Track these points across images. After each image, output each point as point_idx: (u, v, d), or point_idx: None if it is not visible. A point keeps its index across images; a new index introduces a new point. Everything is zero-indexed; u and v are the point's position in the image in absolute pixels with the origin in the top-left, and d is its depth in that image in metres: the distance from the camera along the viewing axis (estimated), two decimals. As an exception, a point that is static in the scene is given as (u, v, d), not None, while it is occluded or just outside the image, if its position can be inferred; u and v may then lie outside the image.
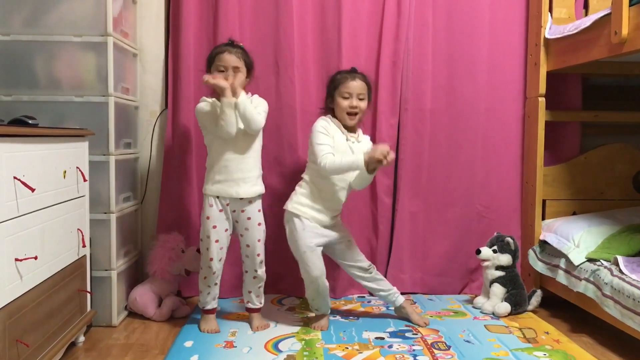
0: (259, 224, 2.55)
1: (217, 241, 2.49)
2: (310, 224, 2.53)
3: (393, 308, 2.75)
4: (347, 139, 2.55)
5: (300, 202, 2.55)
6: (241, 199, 2.49)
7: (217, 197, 2.48)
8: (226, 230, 2.52)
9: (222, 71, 2.45)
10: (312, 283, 2.55)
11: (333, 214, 2.59)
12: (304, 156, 2.97)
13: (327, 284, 2.59)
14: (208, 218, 2.49)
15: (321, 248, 2.57)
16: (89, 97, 2.53)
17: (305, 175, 2.61)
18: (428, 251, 3.12)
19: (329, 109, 2.61)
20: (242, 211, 2.51)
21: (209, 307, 2.56)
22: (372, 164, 2.38)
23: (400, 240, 3.08)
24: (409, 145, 3.04)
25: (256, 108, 2.46)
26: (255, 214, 2.54)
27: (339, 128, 2.56)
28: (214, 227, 2.49)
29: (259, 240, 2.55)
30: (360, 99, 2.54)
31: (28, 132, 1.89)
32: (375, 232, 3.06)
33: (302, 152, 2.97)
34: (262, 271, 2.59)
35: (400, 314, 2.71)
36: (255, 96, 2.56)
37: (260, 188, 2.54)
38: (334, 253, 2.66)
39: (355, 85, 2.54)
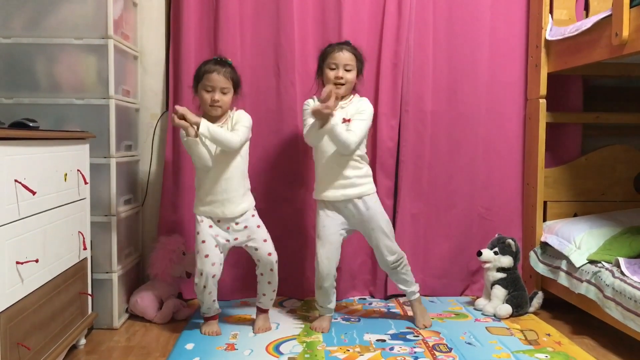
0: (258, 226, 2.55)
1: (207, 256, 2.46)
2: (326, 210, 2.55)
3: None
4: None
5: (316, 190, 2.59)
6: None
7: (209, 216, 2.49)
8: (216, 246, 2.48)
9: (209, 91, 2.44)
10: (317, 266, 2.58)
11: (340, 188, 2.53)
12: (304, 158, 2.98)
13: (332, 276, 2.59)
14: (198, 233, 2.49)
15: (339, 238, 2.59)
16: (89, 99, 2.53)
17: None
18: (429, 253, 3.12)
19: (320, 83, 2.62)
20: (236, 223, 2.50)
21: (208, 315, 2.55)
22: (317, 115, 2.38)
23: (401, 242, 3.03)
24: (409, 147, 3.04)
25: (235, 124, 2.45)
26: (250, 220, 2.53)
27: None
28: (203, 241, 2.47)
29: (264, 241, 2.54)
30: (347, 70, 2.54)
31: (29, 135, 1.90)
32: (377, 234, 3.05)
33: (302, 154, 2.97)
34: (276, 271, 2.57)
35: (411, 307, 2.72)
36: (239, 112, 2.53)
37: (246, 205, 2.52)
38: (367, 238, 2.65)
39: (342, 56, 2.53)
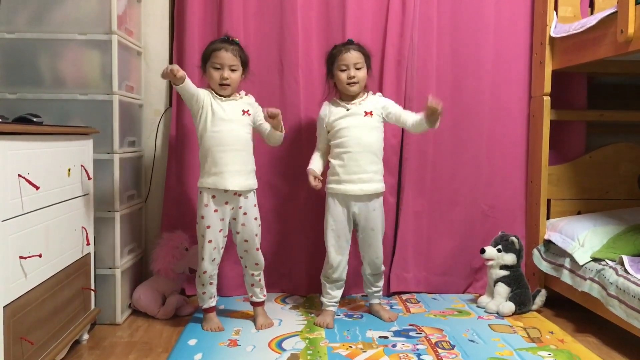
0: (255, 219, 2.56)
1: (210, 241, 2.48)
2: (338, 205, 2.58)
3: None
4: (347, 110, 2.60)
5: (329, 182, 2.62)
6: (239, 195, 2.49)
7: (213, 196, 2.47)
8: (220, 230, 2.50)
9: (218, 69, 2.46)
10: (328, 260, 2.60)
11: (361, 183, 2.56)
12: (307, 155, 2.97)
13: (341, 269, 2.62)
14: (202, 217, 2.49)
15: (347, 231, 2.61)
16: (93, 95, 2.53)
17: (329, 157, 2.66)
18: (432, 250, 3.11)
19: (332, 85, 2.66)
20: (240, 207, 2.52)
21: (206, 305, 2.56)
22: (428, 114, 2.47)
23: (404, 240, 3.07)
24: (413, 144, 3.03)
25: (258, 116, 2.55)
26: (252, 209, 2.54)
27: (337, 105, 2.62)
28: (208, 227, 2.48)
29: (256, 235, 2.56)
30: (358, 69, 2.58)
31: (33, 130, 1.90)
32: (379, 231, 3.05)
33: (305, 150, 2.97)
34: (261, 264, 2.60)
35: (372, 311, 2.77)
36: (252, 99, 2.59)
37: (253, 182, 2.54)
38: (362, 237, 2.67)
39: (350, 56, 2.57)
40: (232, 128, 2.46)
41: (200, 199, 2.50)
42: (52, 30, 2.51)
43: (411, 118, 2.60)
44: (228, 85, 2.47)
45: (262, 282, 2.63)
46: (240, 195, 2.50)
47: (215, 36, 2.94)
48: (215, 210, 2.48)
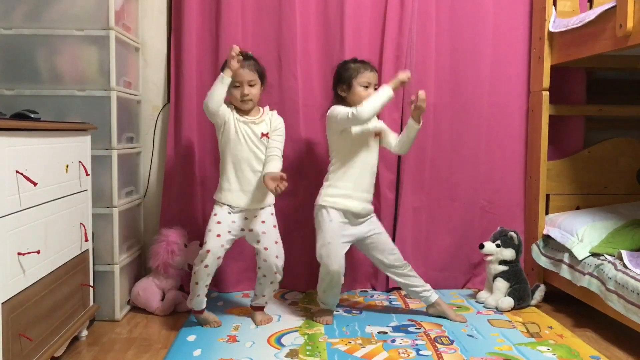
0: (274, 226, 2.57)
1: (218, 235, 2.46)
2: (338, 217, 2.54)
3: (425, 306, 2.72)
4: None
5: (327, 194, 2.57)
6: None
7: (230, 205, 2.51)
8: (229, 232, 2.48)
9: (238, 86, 2.47)
10: (328, 275, 2.53)
11: (363, 201, 2.57)
12: (306, 151, 2.97)
13: (342, 281, 2.59)
14: (215, 214, 2.50)
15: (347, 245, 2.57)
16: (91, 91, 2.53)
17: (330, 167, 2.62)
18: (431, 246, 3.12)
19: (339, 97, 2.60)
20: (255, 216, 2.53)
21: (198, 308, 2.51)
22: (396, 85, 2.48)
23: (403, 235, 3.07)
24: (412, 140, 3.03)
25: (275, 130, 2.54)
26: (269, 217, 2.56)
27: None
28: (218, 222, 2.48)
29: (276, 242, 2.55)
30: (375, 89, 2.58)
31: (30, 126, 1.89)
32: (378, 227, 3.05)
33: (304, 147, 2.97)
34: (280, 272, 2.55)
35: (435, 312, 2.67)
36: (275, 115, 2.60)
37: (269, 200, 2.55)
38: (364, 249, 2.66)
39: (372, 76, 2.58)
40: (249, 149, 2.49)
41: (216, 201, 2.54)
42: (49, 26, 2.50)
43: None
44: (250, 100, 2.50)
45: (273, 293, 2.63)
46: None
47: (214, 32, 2.94)
48: (229, 212, 2.50)
